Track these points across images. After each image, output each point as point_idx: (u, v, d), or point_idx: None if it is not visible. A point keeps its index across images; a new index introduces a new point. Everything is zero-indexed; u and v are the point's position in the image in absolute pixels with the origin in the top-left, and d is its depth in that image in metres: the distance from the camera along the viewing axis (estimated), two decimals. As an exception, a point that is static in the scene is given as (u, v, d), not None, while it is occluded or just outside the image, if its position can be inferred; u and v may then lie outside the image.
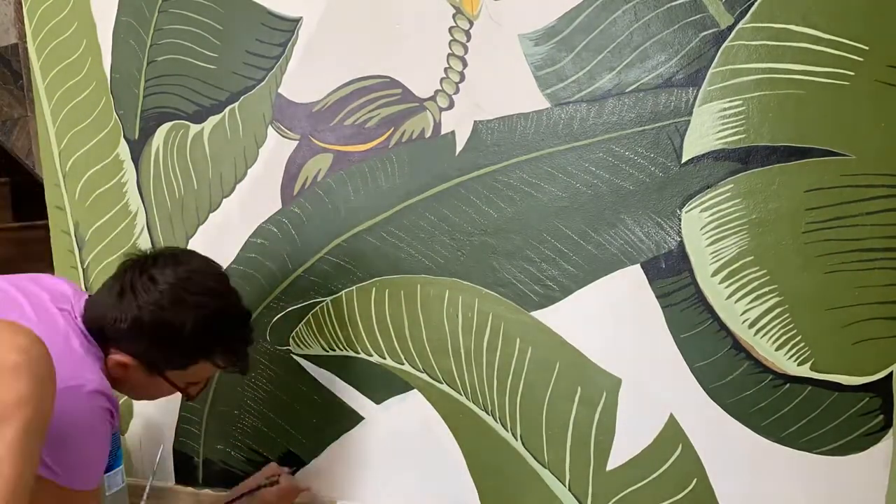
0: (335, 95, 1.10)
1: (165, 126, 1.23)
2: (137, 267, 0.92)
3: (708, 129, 0.90)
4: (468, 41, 1.02)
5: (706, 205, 0.91)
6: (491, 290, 1.04)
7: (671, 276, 0.94)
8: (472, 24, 1.01)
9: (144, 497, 1.20)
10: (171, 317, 0.89)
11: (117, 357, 0.90)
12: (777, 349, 0.90)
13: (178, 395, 0.98)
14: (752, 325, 0.90)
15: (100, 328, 0.90)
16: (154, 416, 1.30)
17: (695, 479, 0.95)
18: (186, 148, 1.22)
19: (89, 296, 0.95)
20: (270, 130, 1.15)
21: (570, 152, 0.97)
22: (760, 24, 0.87)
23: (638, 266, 0.95)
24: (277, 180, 1.15)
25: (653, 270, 0.95)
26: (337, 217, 1.12)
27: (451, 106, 1.04)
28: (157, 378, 0.94)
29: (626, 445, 0.98)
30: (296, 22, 1.12)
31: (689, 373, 0.94)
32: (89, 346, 0.89)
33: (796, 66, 0.86)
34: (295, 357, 1.18)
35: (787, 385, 0.90)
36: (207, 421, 1.26)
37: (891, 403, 0.86)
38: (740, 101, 0.88)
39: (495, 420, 1.06)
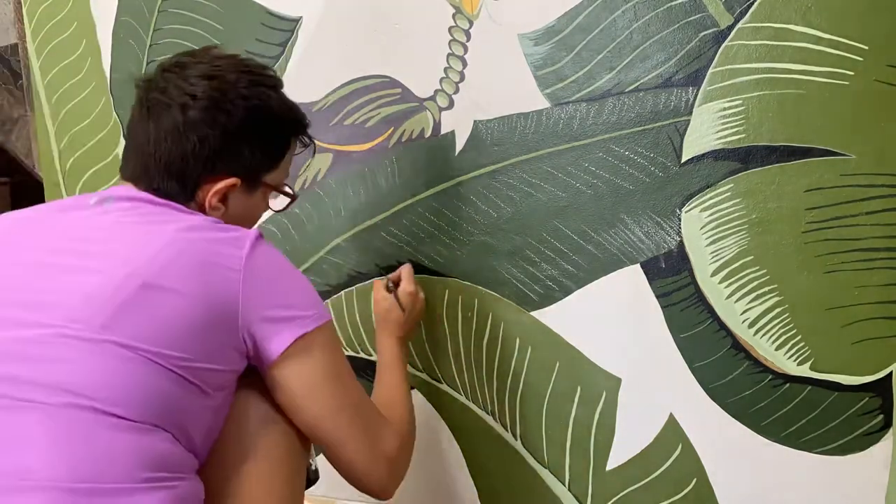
0: (335, 95, 1.11)
1: (165, 126, 1.23)
2: (161, 83, 0.78)
3: (708, 128, 0.90)
4: (468, 41, 1.02)
5: (706, 204, 0.91)
6: (491, 289, 1.04)
7: (671, 275, 0.94)
8: (471, 23, 1.01)
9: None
10: (257, 98, 0.77)
11: (218, 186, 0.77)
12: (777, 349, 0.90)
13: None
14: (751, 325, 0.90)
15: (180, 172, 0.76)
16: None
17: (695, 479, 0.95)
18: (186, 148, 1.22)
19: (129, 154, 0.80)
20: (270, 130, 1.15)
21: (570, 152, 0.97)
22: (760, 24, 0.87)
23: (638, 266, 0.95)
24: (277, 180, 1.15)
25: (653, 270, 0.95)
26: (337, 217, 1.12)
27: (450, 106, 1.04)
28: (256, 193, 0.82)
29: (626, 445, 0.98)
30: (296, 22, 1.12)
31: (688, 373, 0.94)
32: (187, 212, 0.76)
33: (796, 66, 0.86)
34: (295, 357, 1.18)
35: (787, 385, 0.90)
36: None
37: (891, 403, 0.86)
38: (740, 101, 0.88)
39: (495, 420, 1.06)
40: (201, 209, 0.78)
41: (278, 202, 0.90)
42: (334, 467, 0.80)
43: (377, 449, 0.78)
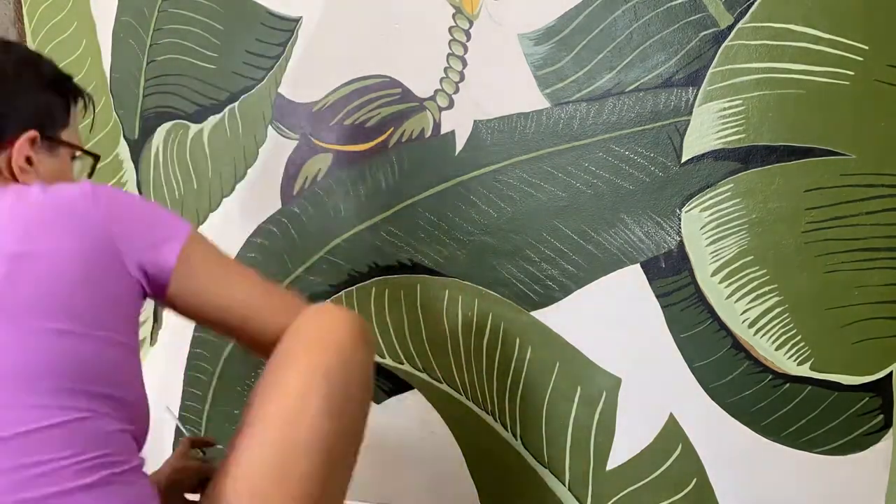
0: (335, 95, 1.11)
1: (165, 126, 1.23)
2: None
3: (708, 128, 0.90)
4: (468, 41, 1.02)
5: (706, 204, 0.91)
6: (491, 289, 1.04)
7: (671, 275, 0.94)
8: (471, 23, 1.01)
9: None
10: (21, 53, 0.84)
11: (19, 142, 0.77)
12: (777, 349, 0.90)
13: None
14: (751, 325, 0.90)
15: None
16: (154, 417, 1.30)
17: (695, 479, 0.95)
18: (186, 148, 1.22)
19: None
20: (270, 130, 1.15)
21: (570, 152, 0.97)
22: (760, 24, 0.87)
23: (638, 266, 0.95)
24: (277, 180, 1.15)
25: (653, 270, 0.95)
26: (337, 217, 1.12)
27: (450, 106, 1.04)
28: (59, 153, 0.82)
29: (626, 445, 0.98)
30: (296, 22, 1.12)
31: (688, 372, 0.94)
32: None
33: (796, 66, 0.86)
34: (295, 357, 1.18)
35: (787, 385, 0.90)
36: (207, 420, 1.26)
37: (891, 403, 0.86)
38: (740, 101, 0.88)
39: (495, 420, 1.06)
40: (13, 178, 0.77)
41: (82, 166, 0.89)
42: (262, 348, 0.75)
43: (301, 303, 0.76)
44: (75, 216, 0.68)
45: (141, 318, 1.29)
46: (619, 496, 0.99)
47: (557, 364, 1.01)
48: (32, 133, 0.78)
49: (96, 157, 0.89)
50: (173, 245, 0.72)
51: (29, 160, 0.78)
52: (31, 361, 0.61)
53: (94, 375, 0.64)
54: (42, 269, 0.64)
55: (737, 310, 0.91)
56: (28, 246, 0.65)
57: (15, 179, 0.77)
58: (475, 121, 1.02)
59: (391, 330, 1.10)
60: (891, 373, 0.86)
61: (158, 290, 0.73)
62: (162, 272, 0.71)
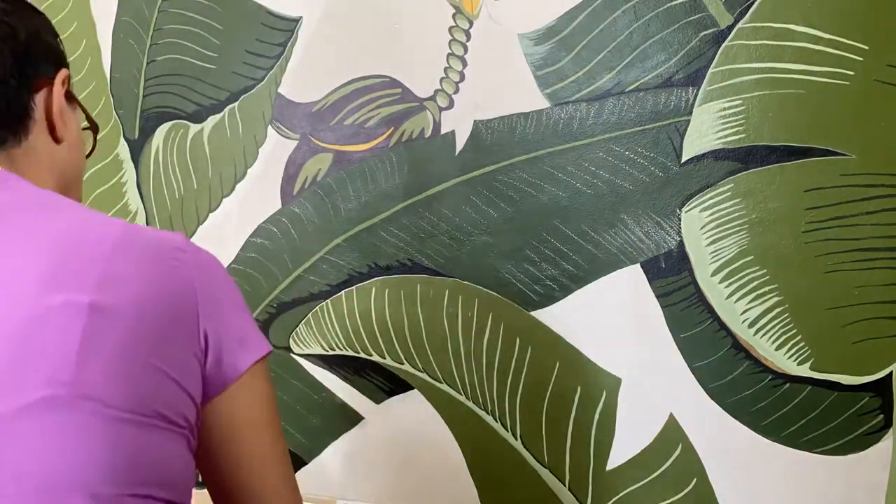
0: (335, 95, 1.11)
1: (165, 126, 1.23)
2: None
3: (708, 128, 0.90)
4: (468, 41, 1.02)
5: (706, 204, 0.91)
6: (491, 289, 1.04)
7: (671, 275, 0.94)
8: (471, 23, 1.01)
9: None
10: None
11: (56, 86, 0.63)
12: (777, 349, 0.90)
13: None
14: (751, 325, 0.90)
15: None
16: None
17: (695, 479, 0.95)
18: (186, 148, 1.22)
19: None
20: (270, 130, 1.15)
21: (570, 152, 0.97)
22: (760, 24, 0.87)
23: (638, 266, 0.95)
24: (277, 180, 1.15)
25: (652, 270, 0.95)
26: (337, 217, 1.12)
27: (450, 106, 1.04)
28: (76, 108, 0.68)
29: (626, 445, 0.98)
30: (296, 22, 1.12)
31: (689, 373, 0.94)
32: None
33: (796, 66, 0.86)
34: (295, 357, 1.18)
35: (787, 385, 0.90)
36: (207, 421, 1.26)
37: (891, 403, 0.86)
38: (740, 101, 0.88)
39: (495, 420, 1.06)
40: (49, 131, 0.63)
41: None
42: None
43: None
44: (163, 257, 0.56)
45: (141, 318, 1.29)
46: (619, 496, 0.99)
47: (557, 364, 1.01)
48: (66, 72, 0.63)
49: (97, 128, 0.74)
50: (252, 351, 0.60)
51: (58, 108, 0.63)
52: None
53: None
54: (122, 332, 0.51)
55: (737, 310, 0.91)
56: (108, 296, 0.51)
57: (49, 132, 0.62)
58: (475, 121, 1.02)
59: (391, 330, 1.10)
60: (891, 373, 0.86)
61: (213, 382, 0.59)
62: (231, 367, 0.59)
